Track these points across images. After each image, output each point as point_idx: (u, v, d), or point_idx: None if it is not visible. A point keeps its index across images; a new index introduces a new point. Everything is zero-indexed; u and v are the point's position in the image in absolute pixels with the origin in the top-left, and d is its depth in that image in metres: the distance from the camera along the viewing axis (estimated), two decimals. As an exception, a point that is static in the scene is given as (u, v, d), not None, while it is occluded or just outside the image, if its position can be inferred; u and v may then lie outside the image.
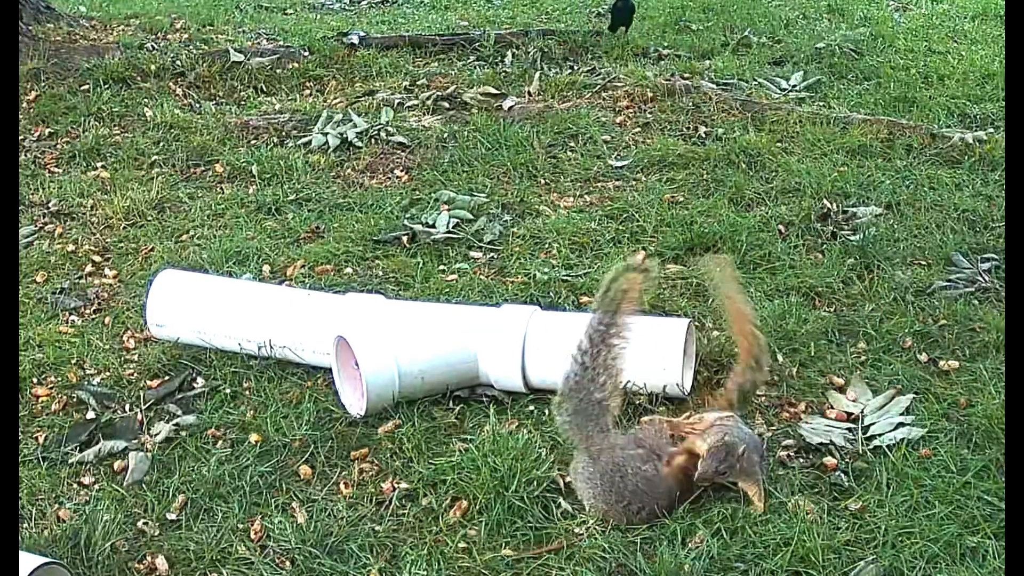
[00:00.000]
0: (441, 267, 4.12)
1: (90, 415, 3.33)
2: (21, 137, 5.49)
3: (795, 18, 7.49)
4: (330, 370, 3.34)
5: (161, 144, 5.34)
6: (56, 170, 5.20)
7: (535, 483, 2.84)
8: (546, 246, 4.21)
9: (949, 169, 4.82)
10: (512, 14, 7.95)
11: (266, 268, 4.14)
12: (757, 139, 5.11)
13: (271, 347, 3.47)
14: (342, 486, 2.96)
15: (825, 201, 4.43)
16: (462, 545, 2.71)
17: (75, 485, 3.04)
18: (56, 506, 2.94)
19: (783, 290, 3.84)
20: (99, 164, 5.22)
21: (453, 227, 4.35)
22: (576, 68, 6.31)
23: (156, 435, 3.19)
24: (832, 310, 3.73)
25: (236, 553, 2.74)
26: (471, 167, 4.93)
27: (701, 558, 2.59)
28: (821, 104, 5.74)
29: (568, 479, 2.87)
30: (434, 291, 3.89)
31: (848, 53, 6.50)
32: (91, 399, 3.38)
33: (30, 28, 6.64)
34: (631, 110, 5.57)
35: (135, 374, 3.55)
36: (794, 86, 6.02)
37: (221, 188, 4.92)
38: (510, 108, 5.61)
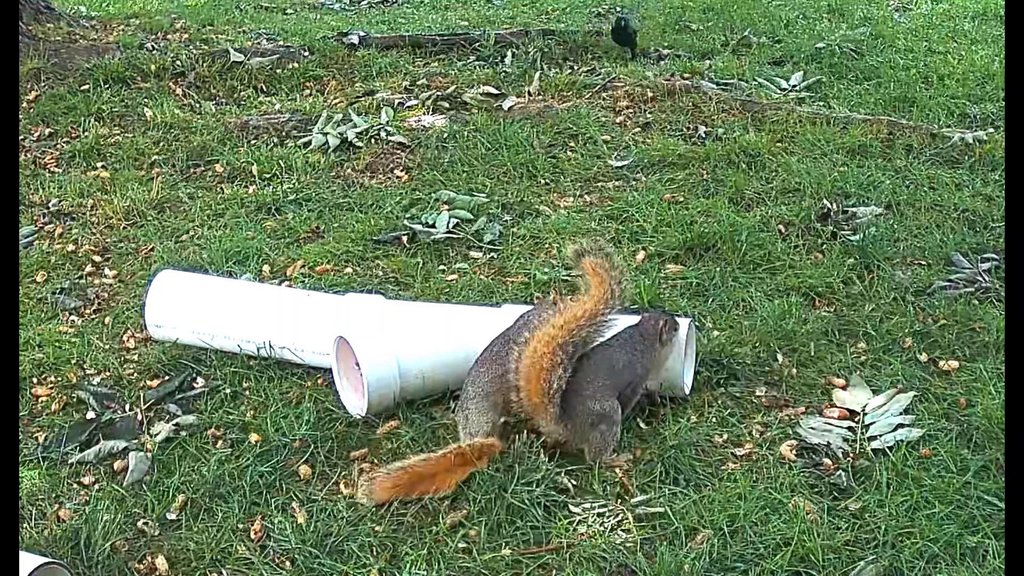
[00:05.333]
0: (441, 267, 4.12)
1: (90, 415, 3.33)
2: (21, 137, 5.49)
3: (795, 18, 7.50)
4: (330, 370, 3.34)
5: (161, 144, 5.34)
6: (56, 170, 5.21)
7: (535, 484, 2.84)
8: (546, 246, 4.21)
9: (949, 169, 4.82)
10: (512, 14, 7.96)
11: (266, 268, 4.14)
12: (757, 139, 5.11)
13: (271, 348, 3.47)
14: (342, 486, 2.96)
15: (825, 201, 4.43)
16: (462, 545, 2.71)
17: (75, 485, 3.04)
18: (56, 506, 2.94)
19: (783, 290, 3.84)
20: (99, 164, 5.22)
21: (453, 227, 4.35)
22: (576, 68, 6.31)
23: (156, 435, 3.19)
24: (832, 310, 3.73)
25: (236, 553, 2.74)
26: (471, 167, 4.93)
27: (701, 558, 2.59)
28: (821, 104, 5.74)
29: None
30: (434, 291, 3.89)
31: (848, 53, 6.50)
32: (91, 399, 3.38)
33: (30, 28, 6.65)
34: (631, 110, 5.57)
35: (135, 374, 3.55)
36: (794, 86, 6.02)
37: (221, 188, 4.92)
38: (510, 108, 5.61)
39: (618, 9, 7.49)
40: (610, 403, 3.00)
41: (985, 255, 4.02)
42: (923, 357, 3.42)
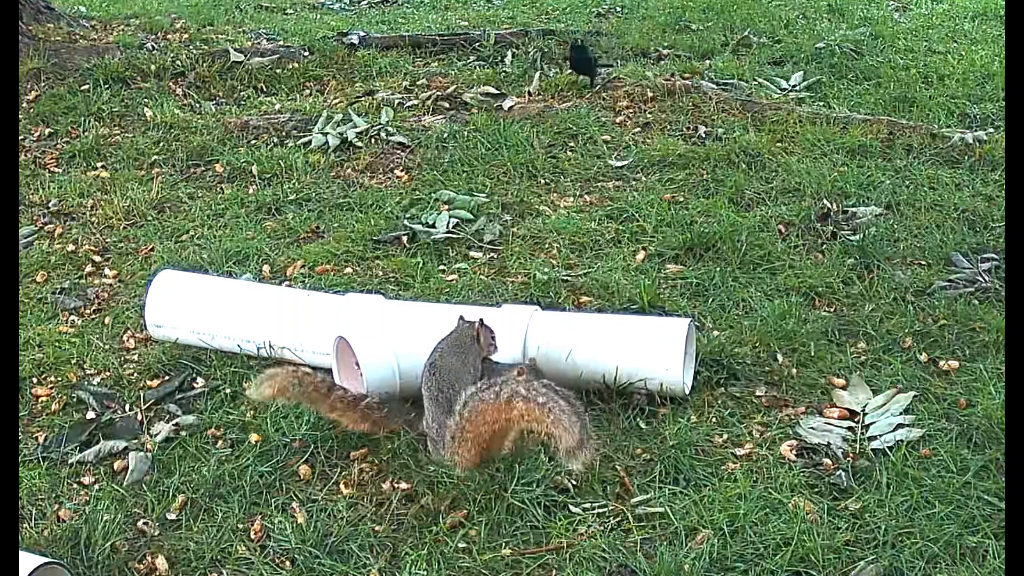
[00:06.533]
0: (441, 267, 4.12)
1: (90, 415, 3.33)
2: (21, 137, 5.49)
3: (795, 18, 7.49)
4: (330, 370, 3.34)
5: (161, 144, 5.34)
6: (56, 170, 5.21)
7: (535, 484, 2.84)
8: (546, 246, 4.21)
9: (949, 169, 4.82)
10: (512, 14, 7.95)
11: (266, 268, 4.14)
12: (757, 139, 5.11)
13: (271, 348, 3.47)
14: (342, 486, 2.96)
15: (825, 201, 4.43)
16: (462, 545, 2.71)
17: (75, 485, 3.04)
18: (56, 506, 2.94)
19: (783, 290, 3.84)
20: (99, 164, 5.22)
21: (453, 227, 4.35)
22: (576, 68, 6.31)
23: (156, 435, 3.20)
24: (832, 310, 3.73)
25: (236, 553, 2.74)
26: (471, 167, 4.93)
27: (701, 558, 2.59)
28: (821, 104, 5.74)
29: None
30: (434, 291, 3.89)
31: (848, 53, 6.50)
32: (91, 399, 3.39)
33: (30, 28, 6.64)
34: (631, 110, 5.57)
35: (135, 374, 3.55)
36: (794, 86, 6.02)
37: (221, 188, 4.93)
38: (510, 108, 5.61)
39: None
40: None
41: (985, 255, 4.02)
42: (923, 357, 3.42)
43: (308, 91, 6.12)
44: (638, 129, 5.36)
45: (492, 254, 4.20)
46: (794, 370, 3.38)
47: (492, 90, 5.87)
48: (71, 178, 5.07)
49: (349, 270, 4.11)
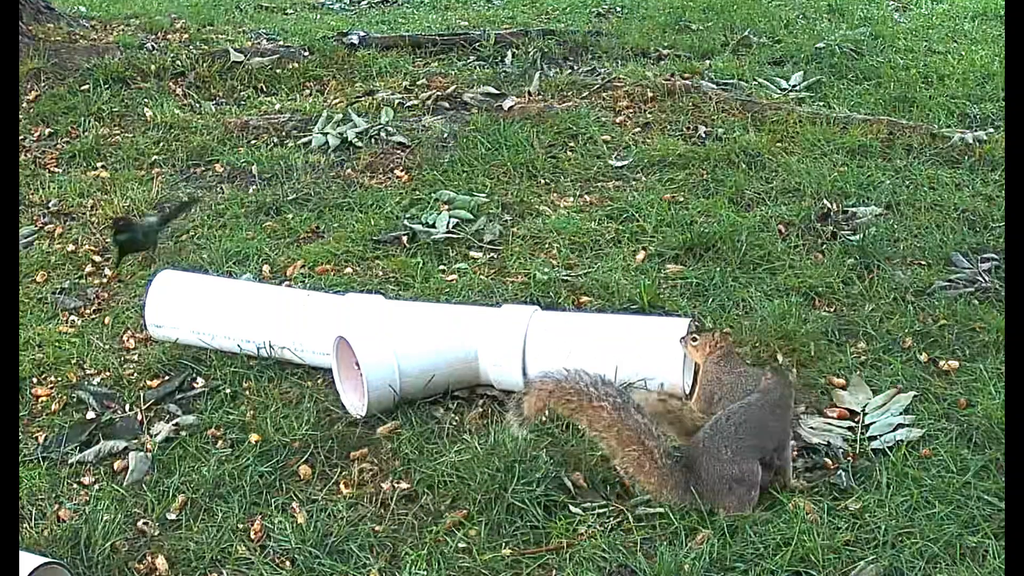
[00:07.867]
0: (441, 267, 4.12)
1: (90, 415, 3.34)
2: (21, 137, 5.49)
3: (795, 18, 7.49)
4: (330, 370, 3.34)
5: (161, 144, 5.34)
6: (56, 170, 5.21)
7: (535, 484, 2.84)
8: (546, 246, 4.21)
9: (949, 169, 4.82)
10: (512, 14, 7.95)
11: (266, 268, 4.14)
12: (757, 139, 5.11)
13: (271, 348, 3.47)
14: (342, 486, 2.96)
15: (825, 201, 4.43)
16: (462, 545, 2.71)
17: (75, 485, 3.04)
18: (56, 506, 2.94)
19: (783, 290, 3.84)
20: (99, 164, 5.22)
21: (453, 227, 4.35)
22: (576, 68, 6.31)
23: (156, 435, 3.20)
24: (832, 310, 3.73)
25: (236, 553, 2.74)
26: (471, 167, 4.93)
27: (701, 558, 2.59)
28: (821, 104, 5.74)
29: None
30: (434, 291, 3.89)
31: (848, 53, 6.50)
32: (91, 399, 3.39)
33: (30, 28, 6.64)
34: (631, 110, 5.57)
35: (135, 374, 3.55)
36: (794, 86, 6.02)
37: (221, 188, 4.93)
38: (510, 108, 5.61)
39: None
40: (749, 465, 2.79)
41: (985, 255, 4.02)
42: (923, 357, 3.42)
43: (308, 91, 6.12)
44: (638, 129, 5.36)
45: (492, 254, 4.20)
46: (794, 370, 3.38)
47: (492, 90, 5.87)
48: (71, 178, 5.07)
49: (349, 270, 4.11)
